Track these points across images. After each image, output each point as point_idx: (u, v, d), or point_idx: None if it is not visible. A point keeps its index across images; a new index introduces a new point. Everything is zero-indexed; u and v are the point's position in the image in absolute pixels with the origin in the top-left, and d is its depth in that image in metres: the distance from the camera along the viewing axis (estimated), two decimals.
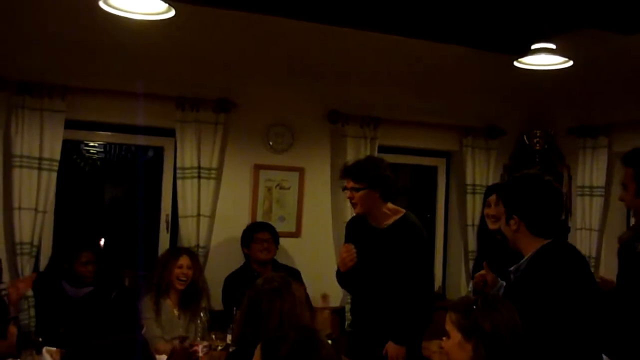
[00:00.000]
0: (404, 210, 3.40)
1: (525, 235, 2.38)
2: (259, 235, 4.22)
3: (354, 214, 3.54)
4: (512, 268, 2.42)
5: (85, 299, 3.85)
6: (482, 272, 2.88)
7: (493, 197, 3.31)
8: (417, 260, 3.30)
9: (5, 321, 2.14)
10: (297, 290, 2.38)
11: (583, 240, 4.71)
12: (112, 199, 7.68)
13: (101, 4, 2.78)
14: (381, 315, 3.33)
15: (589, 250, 4.69)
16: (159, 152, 4.62)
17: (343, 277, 3.49)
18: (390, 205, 3.38)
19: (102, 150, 6.82)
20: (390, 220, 3.34)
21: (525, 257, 2.37)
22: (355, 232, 3.49)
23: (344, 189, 3.40)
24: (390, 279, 3.29)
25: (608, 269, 4.31)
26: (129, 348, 1.52)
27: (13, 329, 2.16)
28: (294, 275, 4.17)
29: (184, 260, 3.81)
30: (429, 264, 3.46)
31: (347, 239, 3.55)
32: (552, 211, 2.41)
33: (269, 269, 4.15)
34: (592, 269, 2.78)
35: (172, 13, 2.86)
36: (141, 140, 4.55)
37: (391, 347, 3.27)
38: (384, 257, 3.31)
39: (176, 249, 4.14)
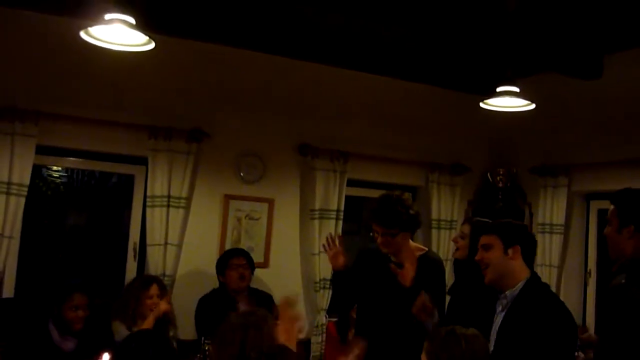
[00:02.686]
0: (425, 249, 3.35)
1: (519, 262, 2.63)
2: (234, 261, 4.21)
3: (362, 249, 3.42)
4: (503, 294, 2.63)
5: (72, 355, 3.54)
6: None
7: (465, 227, 3.48)
8: (442, 291, 3.29)
9: None
10: (264, 323, 2.42)
11: (543, 275, 4.82)
12: (75, 224, 7.57)
13: (82, 35, 2.82)
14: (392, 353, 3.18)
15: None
16: (123, 178, 4.61)
17: (341, 278, 3.39)
18: (412, 243, 3.30)
19: (65, 174, 6.75)
20: (413, 271, 3.07)
21: (516, 285, 2.60)
22: (371, 265, 3.33)
23: (373, 233, 3.23)
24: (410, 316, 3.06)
25: (568, 301, 4.43)
26: None
27: None
28: (267, 300, 4.20)
29: (154, 290, 3.81)
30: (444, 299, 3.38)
31: (358, 269, 3.40)
32: (535, 243, 2.81)
33: (245, 295, 4.16)
34: None
35: (152, 45, 2.91)
36: (112, 167, 4.56)
37: None
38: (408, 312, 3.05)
39: (145, 278, 4.07)
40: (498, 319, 2.59)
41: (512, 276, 2.62)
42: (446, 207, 5.25)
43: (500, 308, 2.63)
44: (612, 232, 2.64)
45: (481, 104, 3.93)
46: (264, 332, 2.39)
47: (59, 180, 7.22)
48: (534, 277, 2.65)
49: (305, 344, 4.65)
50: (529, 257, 2.69)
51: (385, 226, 3.14)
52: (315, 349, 4.64)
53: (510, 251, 2.62)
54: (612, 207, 2.68)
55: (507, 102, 3.88)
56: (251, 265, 4.29)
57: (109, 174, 5.36)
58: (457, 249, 3.59)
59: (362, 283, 3.37)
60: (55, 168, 6.21)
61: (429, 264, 3.24)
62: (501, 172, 5.33)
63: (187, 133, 4.37)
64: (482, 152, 5.40)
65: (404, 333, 3.10)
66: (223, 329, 2.43)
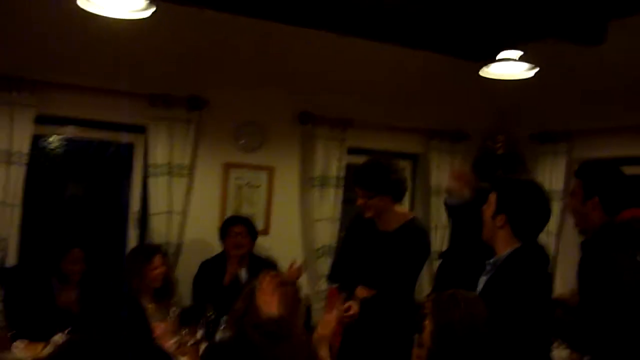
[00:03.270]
0: (411, 215, 3.41)
1: (505, 234, 2.49)
2: (234, 229, 4.24)
3: (357, 214, 3.48)
4: (490, 261, 2.54)
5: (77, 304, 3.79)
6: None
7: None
8: (411, 263, 3.29)
9: None
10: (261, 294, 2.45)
11: (542, 242, 4.87)
12: (73, 194, 7.59)
13: (79, 3, 2.79)
14: (378, 316, 3.26)
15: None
16: (121, 148, 4.61)
17: (340, 277, 3.49)
18: (398, 207, 3.36)
19: (62, 144, 6.75)
20: (396, 224, 3.30)
21: (501, 255, 2.49)
22: (360, 230, 3.43)
23: (356, 192, 3.32)
24: (391, 277, 3.24)
25: (566, 267, 4.48)
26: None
27: None
28: (270, 267, 4.22)
29: (157, 261, 3.77)
30: (418, 270, 3.40)
31: (350, 234, 3.55)
32: (539, 220, 2.53)
33: (245, 262, 4.20)
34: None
35: (152, 9, 2.88)
36: (111, 136, 4.55)
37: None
38: (385, 260, 3.26)
39: (146, 249, 4.03)
40: (480, 284, 2.55)
41: (498, 243, 2.51)
42: (446, 175, 5.22)
43: (484, 273, 2.57)
44: (577, 204, 2.69)
45: (481, 72, 3.91)
46: (253, 299, 2.41)
47: (56, 151, 7.21)
48: (523, 248, 2.48)
49: (306, 311, 4.70)
50: (522, 228, 2.49)
51: (363, 188, 3.23)
52: (316, 315, 4.69)
53: (498, 218, 2.49)
54: (576, 180, 2.74)
55: (508, 68, 3.87)
56: (251, 233, 4.31)
57: (106, 143, 5.33)
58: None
59: (352, 247, 3.49)
60: (52, 138, 6.19)
61: (411, 232, 3.29)
62: (501, 139, 5.34)
63: (187, 101, 4.35)
64: (482, 119, 5.39)
65: (385, 285, 3.23)
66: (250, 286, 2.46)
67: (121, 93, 4.20)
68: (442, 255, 3.69)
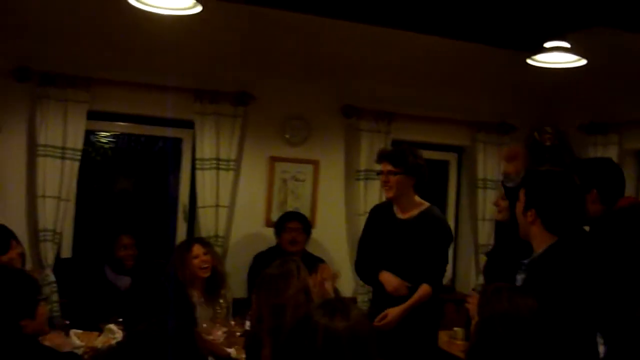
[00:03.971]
0: (428, 204, 3.46)
1: (538, 229, 2.42)
2: (289, 225, 4.32)
3: (380, 202, 3.64)
4: (525, 261, 2.47)
5: (130, 290, 3.92)
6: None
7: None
8: (436, 251, 3.37)
9: (36, 301, 2.23)
10: (298, 279, 2.51)
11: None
12: (123, 188, 7.79)
13: (130, 0, 2.87)
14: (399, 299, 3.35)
15: None
16: (168, 143, 4.71)
17: (364, 268, 3.58)
18: (417, 197, 3.44)
19: (113, 140, 6.91)
20: (416, 212, 3.40)
21: (537, 253, 2.42)
22: (379, 219, 3.55)
23: (379, 173, 3.45)
24: (411, 268, 3.35)
25: None
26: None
27: (43, 309, 2.24)
28: (317, 264, 4.24)
29: (197, 250, 3.78)
30: (444, 256, 3.48)
31: (369, 225, 3.62)
32: (571, 211, 2.44)
33: (298, 258, 4.22)
34: None
35: (199, 9, 2.94)
36: (160, 131, 4.65)
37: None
38: (407, 247, 3.37)
39: (186, 241, 4.11)
40: (518, 283, 2.49)
41: (534, 240, 2.43)
42: (492, 167, 5.19)
43: (519, 272, 2.51)
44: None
45: (528, 61, 3.86)
46: (293, 282, 2.48)
47: (107, 146, 7.40)
48: (559, 244, 2.37)
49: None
50: (555, 222, 2.39)
51: (391, 163, 3.33)
52: (361, 307, 4.70)
53: (528, 214, 2.41)
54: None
55: (556, 57, 3.81)
56: (306, 230, 4.37)
57: (154, 139, 5.46)
58: (499, 212, 3.56)
59: (372, 237, 3.56)
60: (103, 134, 6.37)
61: (430, 219, 3.38)
62: (549, 131, 5.21)
63: (233, 96, 4.42)
64: (529, 110, 5.29)
65: (405, 272, 3.33)
66: (260, 282, 2.53)
67: (169, 88, 4.27)
68: (488, 254, 3.67)
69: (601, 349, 2.69)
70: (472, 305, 2.26)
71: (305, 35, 4.60)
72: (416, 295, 3.32)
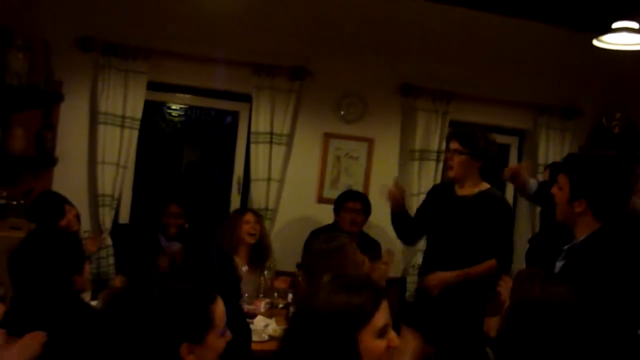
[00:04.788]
0: (489, 185, 3.39)
1: (586, 218, 2.34)
2: (349, 204, 4.27)
3: (441, 181, 3.60)
4: (565, 247, 2.40)
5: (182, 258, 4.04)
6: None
7: (546, 173, 3.32)
8: (501, 231, 3.29)
9: (84, 259, 2.36)
10: (352, 253, 2.56)
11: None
12: (190, 161, 8.01)
13: None
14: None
15: None
16: (236, 117, 4.78)
17: (398, 219, 3.57)
18: (481, 180, 3.37)
19: (183, 113, 7.08)
20: (476, 190, 3.32)
21: (579, 239, 2.35)
22: (438, 197, 3.49)
23: (448, 150, 3.41)
24: (470, 245, 3.27)
25: None
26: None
27: (88, 266, 2.37)
28: (373, 245, 4.24)
29: (250, 217, 3.91)
30: (511, 237, 3.41)
31: (427, 203, 3.59)
32: (620, 198, 2.35)
33: (355, 239, 4.23)
34: None
35: None
36: (218, 104, 4.73)
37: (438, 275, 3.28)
38: (464, 224, 3.29)
39: (241, 208, 4.33)
40: (556, 270, 2.42)
41: (577, 227, 2.36)
42: (555, 153, 5.01)
43: (560, 258, 2.44)
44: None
45: (595, 42, 3.70)
46: (347, 255, 2.54)
47: (177, 119, 7.60)
48: (604, 229, 2.32)
49: (400, 283, 4.71)
50: (603, 210, 2.33)
51: (460, 141, 3.27)
52: (411, 288, 4.67)
53: (576, 204, 2.34)
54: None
55: (625, 39, 3.62)
56: (366, 211, 4.34)
57: (224, 112, 5.58)
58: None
59: (429, 212, 3.52)
60: (174, 107, 6.54)
61: (489, 200, 3.30)
62: (618, 117, 5.01)
63: (290, 70, 4.43)
64: (596, 94, 5.07)
65: (463, 249, 3.26)
66: (308, 258, 2.54)
67: (228, 62, 4.34)
68: (530, 240, 3.59)
69: None
70: (504, 290, 2.22)
71: (363, 11, 4.56)
72: (479, 266, 3.23)
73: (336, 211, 4.35)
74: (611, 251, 2.28)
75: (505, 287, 2.21)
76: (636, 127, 5.01)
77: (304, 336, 1.60)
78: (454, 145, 3.30)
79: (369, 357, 1.59)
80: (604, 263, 2.25)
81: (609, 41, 3.67)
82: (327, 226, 4.36)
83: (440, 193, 3.51)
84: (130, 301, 1.53)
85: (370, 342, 1.59)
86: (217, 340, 1.57)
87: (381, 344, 1.61)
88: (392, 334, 1.64)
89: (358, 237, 4.26)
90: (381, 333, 1.61)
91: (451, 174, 3.35)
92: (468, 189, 3.35)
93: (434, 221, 3.48)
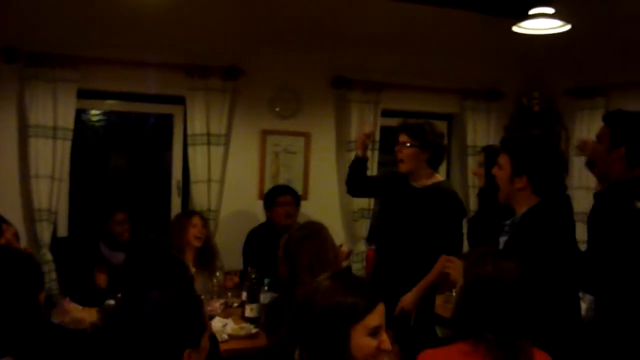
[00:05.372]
0: (441, 177, 3.51)
1: (525, 193, 2.49)
2: (280, 199, 4.31)
3: (389, 172, 3.67)
4: (507, 222, 2.55)
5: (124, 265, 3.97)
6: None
7: (481, 156, 3.50)
8: (452, 224, 3.37)
9: (42, 277, 2.30)
10: (326, 235, 2.76)
11: (581, 198, 4.84)
12: (116, 166, 7.82)
13: None
14: (404, 268, 3.39)
15: (587, 208, 4.82)
16: (160, 119, 4.73)
17: (358, 165, 3.71)
18: (432, 171, 3.47)
19: (104, 118, 6.90)
20: (428, 182, 3.42)
21: (519, 213, 2.50)
22: (394, 185, 3.56)
23: (397, 143, 3.46)
24: (417, 236, 3.35)
25: None
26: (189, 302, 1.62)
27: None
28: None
29: (197, 220, 3.94)
30: (461, 229, 3.48)
31: (384, 179, 3.69)
32: (557, 173, 2.53)
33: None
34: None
35: None
36: (151, 108, 4.68)
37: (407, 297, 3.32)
38: (416, 214, 3.38)
39: (188, 211, 4.31)
40: (500, 245, 2.57)
41: (518, 203, 2.51)
42: (482, 134, 5.24)
43: (503, 233, 2.59)
44: (602, 151, 2.67)
45: (514, 28, 3.88)
46: (321, 239, 2.71)
47: (98, 124, 7.40)
48: (543, 204, 2.47)
49: (347, 270, 4.80)
50: (542, 185, 2.48)
51: (410, 135, 3.36)
52: (357, 274, 4.78)
53: (516, 180, 2.49)
54: (604, 127, 2.71)
55: (541, 24, 3.83)
56: (297, 202, 4.40)
57: (145, 115, 5.48)
58: (479, 179, 3.65)
59: (383, 197, 3.66)
60: (93, 112, 6.34)
61: (441, 192, 3.40)
62: (536, 96, 5.29)
63: (223, 70, 4.43)
64: (516, 76, 5.33)
65: (413, 238, 3.36)
66: (287, 244, 2.70)
67: (159, 65, 4.29)
68: (470, 220, 3.75)
69: (583, 306, 2.79)
70: (454, 270, 2.33)
71: (293, 7, 4.60)
72: (436, 268, 3.25)
73: (268, 208, 4.37)
74: (549, 222, 2.44)
75: (454, 267, 2.34)
76: (554, 105, 5.30)
77: (303, 325, 1.72)
78: (403, 138, 3.40)
79: (359, 353, 1.70)
80: (543, 233, 2.41)
81: (527, 27, 3.87)
82: (262, 225, 4.40)
83: (397, 181, 3.58)
84: (130, 318, 1.54)
85: (361, 338, 1.70)
86: (207, 341, 1.62)
87: (372, 342, 1.72)
88: (384, 336, 1.74)
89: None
90: (373, 332, 1.72)
91: (403, 167, 3.44)
92: (422, 181, 3.44)
93: (388, 210, 3.58)
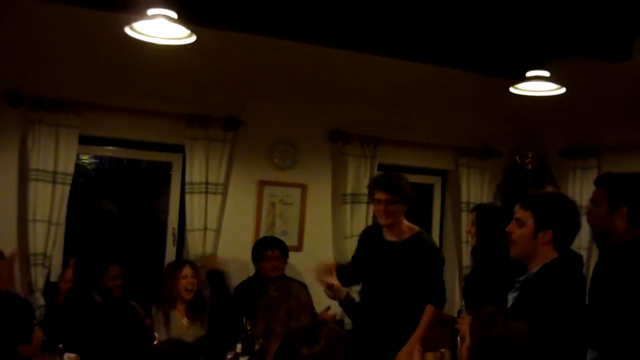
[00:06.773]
0: (418, 228, 3.54)
1: (548, 247, 2.51)
2: (268, 253, 4.31)
3: (369, 225, 3.77)
4: (520, 278, 2.57)
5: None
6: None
7: (472, 215, 3.55)
8: (433, 273, 3.43)
9: (32, 326, 2.26)
10: (301, 294, 2.81)
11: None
12: (107, 210, 7.78)
13: (127, 31, 2.95)
14: (387, 323, 3.42)
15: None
16: (152, 165, 4.76)
17: (344, 273, 3.67)
18: (407, 222, 3.51)
19: (95, 161, 6.91)
20: (406, 235, 3.47)
21: (535, 268, 2.52)
22: (369, 242, 3.62)
23: (374, 201, 3.48)
24: (401, 290, 3.41)
25: None
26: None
27: (38, 333, 2.26)
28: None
29: (187, 271, 3.89)
30: (441, 277, 3.52)
31: (360, 248, 3.72)
32: (577, 228, 2.59)
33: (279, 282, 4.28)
34: None
35: (194, 38, 3.03)
36: (150, 155, 4.71)
37: (402, 352, 3.32)
38: (397, 269, 3.43)
39: (178, 260, 4.29)
40: (509, 302, 2.57)
41: (537, 257, 2.52)
42: (476, 191, 5.31)
43: (514, 290, 2.60)
44: (601, 213, 2.80)
45: (511, 89, 4.00)
46: (302, 300, 2.76)
47: (90, 167, 7.40)
48: (560, 260, 2.50)
49: (339, 324, 4.77)
50: (564, 240, 2.53)
51: (388, 192, 3.38)
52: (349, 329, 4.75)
53: (540, 235, 2.50)
54: (598, 190, 2.85)
55: (537, 86, 3.95)
56: (284, 256, 4.39)
57: (138, 161, 5.51)
58: (472, 238, 3.67)
59: (362, 257, 3.67)
60: (84, 156, 6.34)
61: (419, 243, 3.45)
62: (530, 155, 5.38)
63: (223, 121, 4.50)
64: (511, 135, 5.44)
65: (394, 293, 3.40)
66: (268, 301, 2.72)
67: (160, 114, 4.37)
68: (466, 277, 3.78)
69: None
70: (463, 326, 2.34)
71: (293, 62, 4.71)
72: (424, 320, 3.33)
73: (255, 261, 4.36)
74: (565, 281, 2.48)
75: (464, 323, 2.34)
76: (546, 164, 5.39)
77: None
78: (382, 195, 3.39)
79: None
80: (558, 292, 2.43)
81: (524, 88, 3.99)
82: (250, 278, 4.39)
83: (370, 237, 3.65)
84: None
85: None
86: None
87: None
88: None
89: (282, 280, 4.32)
90: None
91: (385, 222, 3.45)
92: (397, 234, 3.48)
93: (365, 265, 3.62)
